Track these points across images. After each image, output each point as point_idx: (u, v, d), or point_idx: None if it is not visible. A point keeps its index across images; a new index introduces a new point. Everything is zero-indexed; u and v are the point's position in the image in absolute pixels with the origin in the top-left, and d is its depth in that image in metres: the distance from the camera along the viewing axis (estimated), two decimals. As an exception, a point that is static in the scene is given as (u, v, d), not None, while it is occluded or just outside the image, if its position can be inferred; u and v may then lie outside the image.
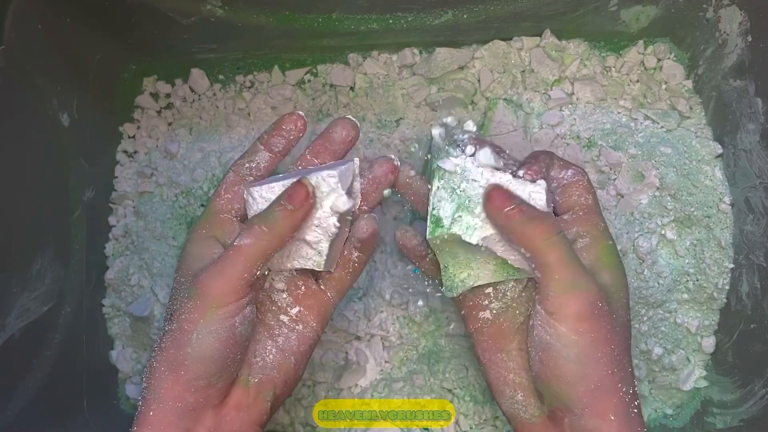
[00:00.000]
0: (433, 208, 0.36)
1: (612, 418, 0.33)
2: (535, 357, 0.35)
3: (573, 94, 0.51)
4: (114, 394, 0.51)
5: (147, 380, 0.34)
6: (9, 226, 0.42)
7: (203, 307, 0.34)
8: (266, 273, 0.38)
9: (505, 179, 0.35)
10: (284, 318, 0.38)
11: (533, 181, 0.35)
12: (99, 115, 0.51)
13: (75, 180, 0.48)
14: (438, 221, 0.35)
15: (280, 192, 0.36)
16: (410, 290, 0.49)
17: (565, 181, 0.37)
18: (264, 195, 0.36)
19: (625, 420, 0.33)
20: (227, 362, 0.34)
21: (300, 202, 0.35)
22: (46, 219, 0.45)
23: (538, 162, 0.37)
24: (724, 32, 0.46)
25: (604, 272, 0.35)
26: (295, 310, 0.39)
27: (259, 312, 0.38)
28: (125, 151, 0.54)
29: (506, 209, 0.33)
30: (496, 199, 0.34)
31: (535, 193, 0.35)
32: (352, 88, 0.53)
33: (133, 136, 0.54)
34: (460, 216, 0.35)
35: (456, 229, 0.35)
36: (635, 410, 0.34)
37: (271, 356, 0.37)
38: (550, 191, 0.36)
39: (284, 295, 0.39)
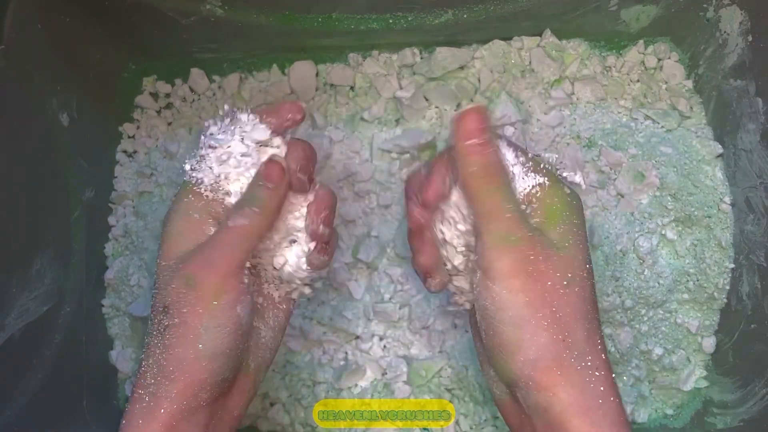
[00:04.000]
0: None
1: (560, 392, 0.29)
2: (480, 325, 0.32)
3: (573, 94, 0.51)
4: (114, 394, 0.51)
5: (153, 377, 0.32)
6: (9, 226, 0.42)
7: (206, 298, 0.31)
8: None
9: None
10: (275, 295, 0.37)
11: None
12: (99, 115, 0.51)
13: (75, 180, 0.48)
14: None
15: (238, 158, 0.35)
16: (410, 290, 0.49)
17: None
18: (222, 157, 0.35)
19: (580, 395, 0.29)
20: (237, 354, 0.33)
21: (279, 180, 0.34)
22: (45, 219, 0.45)
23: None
24: (725, 32, 0.46)
25: (552, 229, 0.32)
26: (284, 286, 0.37)
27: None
28: (125, 151, 0.54)
29: (469, 141, 0.32)
30: (468, 121, 0.32)
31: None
32: (352, 88, 0.53)
33: (133, 136, 0.54)
34: None
35: None
36: (596, 382, 0.30)
37: (264, 338, 0.36)
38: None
39: (276, 272, 0.37)
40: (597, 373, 0.30)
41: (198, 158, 0.35)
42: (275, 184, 0.34)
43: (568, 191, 0.33)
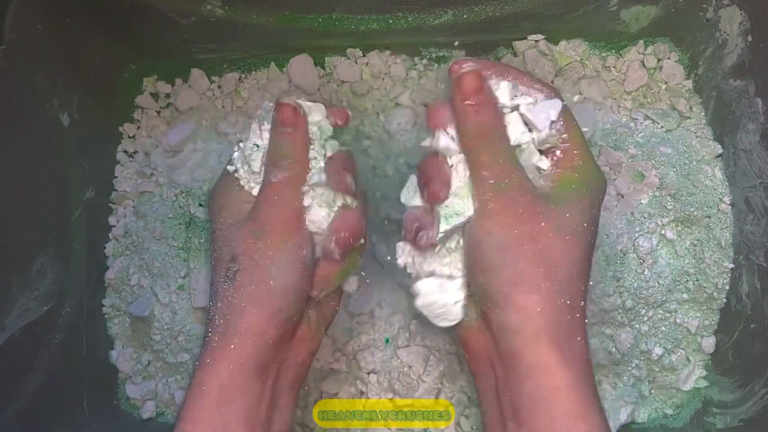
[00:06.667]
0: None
1: (534, 316, 0.31)
2: (467, 252, 0.35)
3: (573, 94, 0.51)
4: (114, 394, 0.51)
5: (222, 317, 0.35)
6: (9, 226, 0.42)
7: (275, 242, 0.35)
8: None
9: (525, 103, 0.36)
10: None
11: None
12: (99, 115, 0.51)
13: (75, 180, 0.48)
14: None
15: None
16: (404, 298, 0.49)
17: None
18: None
19: (553, 325, 0.31)
20: (303, 295, 0.36)
21: (294, 121, 0.36)
22: (46, 219, 0.45)
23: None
24: (724, 32, 0.46)
25: (558, 192, 0.34)
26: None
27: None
28: (125, 151, 0.54)
29: (466, 101, 0.34)
30: (465, 82, 0.34)
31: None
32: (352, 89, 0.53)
33: (133, 136, 0.54)
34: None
35: None
36: (570, 320, 0.32)
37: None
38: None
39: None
40: (575, 315, 0.32)
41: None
42: (293, 127, 0.36)
43: (591, 172, 0.35)
